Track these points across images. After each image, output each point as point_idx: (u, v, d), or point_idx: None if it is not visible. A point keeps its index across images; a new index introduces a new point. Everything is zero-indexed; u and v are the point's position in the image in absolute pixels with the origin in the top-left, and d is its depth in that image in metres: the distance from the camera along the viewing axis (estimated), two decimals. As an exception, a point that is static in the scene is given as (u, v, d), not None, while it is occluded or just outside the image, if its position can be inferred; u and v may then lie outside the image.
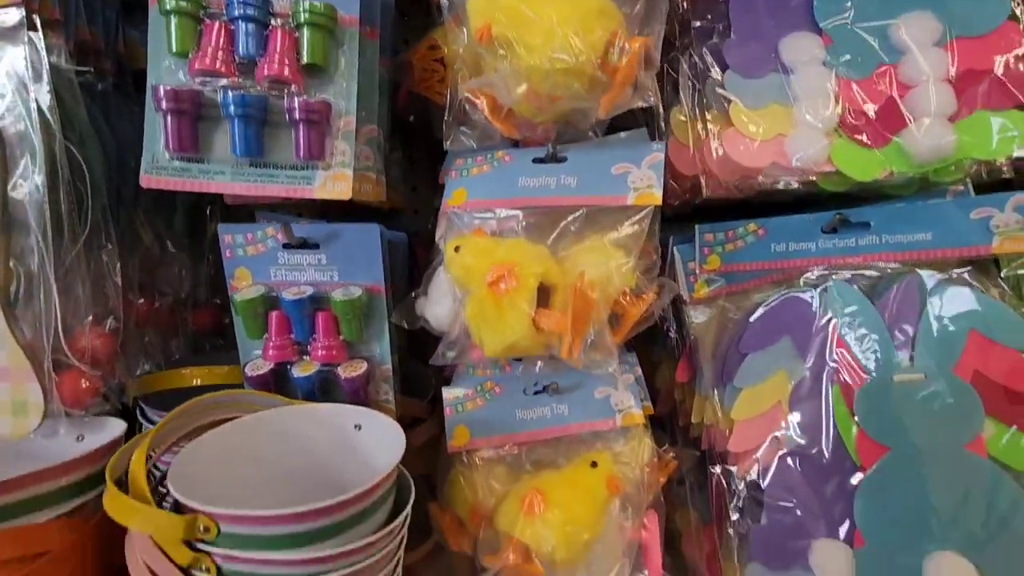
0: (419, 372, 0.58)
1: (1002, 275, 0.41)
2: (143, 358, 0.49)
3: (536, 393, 0.44)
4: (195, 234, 0.56)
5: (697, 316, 0.48)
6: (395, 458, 0.35)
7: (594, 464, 0.43)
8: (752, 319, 0.45)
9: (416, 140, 0.61)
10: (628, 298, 0.38)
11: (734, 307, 0.47)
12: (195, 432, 0.38)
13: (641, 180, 0.39)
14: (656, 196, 0.36)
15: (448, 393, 0.42)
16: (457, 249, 0.37)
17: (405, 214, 0.62)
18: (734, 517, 0.43)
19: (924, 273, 0.41)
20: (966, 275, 0.40)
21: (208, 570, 0.31)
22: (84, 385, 0.38)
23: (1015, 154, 0.40)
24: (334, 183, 0.40)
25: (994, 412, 0.38)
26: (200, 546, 0.31)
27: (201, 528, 0.30)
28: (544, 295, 0.35)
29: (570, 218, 0.38)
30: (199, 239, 0.56)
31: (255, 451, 0.39)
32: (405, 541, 0.37)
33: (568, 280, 0.35)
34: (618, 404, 0.45)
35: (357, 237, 0.42)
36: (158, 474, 0.37)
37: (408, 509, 0.36)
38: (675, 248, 0.47)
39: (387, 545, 0.34)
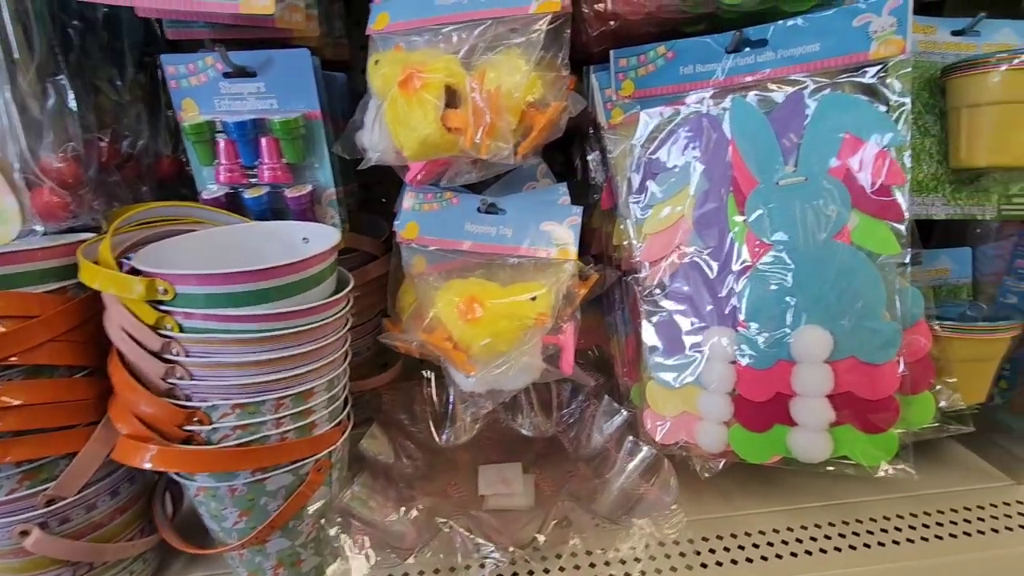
0: (373, 221, 0.63)
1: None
2: (114, 201, 0.53)
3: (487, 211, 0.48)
4: (154, 89, 0.59)
5: (614, 146, 0.52)
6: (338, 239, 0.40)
7: (533, 298, 0.46)
8: (659, 139, 0.49)
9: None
10: (535, 108, 0.41)
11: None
12: (152, 241, 0.43)
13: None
14: (556, 3, 0.39)
15: (410, 193, 0.47)
16: (377, 62, 0.40)
17: (353, 69, 0.65)
18: (644, 311, 0.50)
19: (810, 83, 0.45)
20: (845, 84, 0.44)
21: (172, 328, 0.37)
22: (54, 200, 0.43)
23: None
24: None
25: (858, 204, 0.44)
26: (163, 307, 0.37)
27: (160, 289, 0.36)
28: (452, 98, 0.39)
29: (477, 31, 0.41)
30: (156, 94, 0.59)
31: (207, 262, 0.44)
32: (349, 323, 0.44)
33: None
34: (557, 239, 0.48)
35: (290, 62, 0.45)
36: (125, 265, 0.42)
37: (351, 285, 0.42)
38: (593, 75, 0.51)
39: (333, 313, 0.40)
